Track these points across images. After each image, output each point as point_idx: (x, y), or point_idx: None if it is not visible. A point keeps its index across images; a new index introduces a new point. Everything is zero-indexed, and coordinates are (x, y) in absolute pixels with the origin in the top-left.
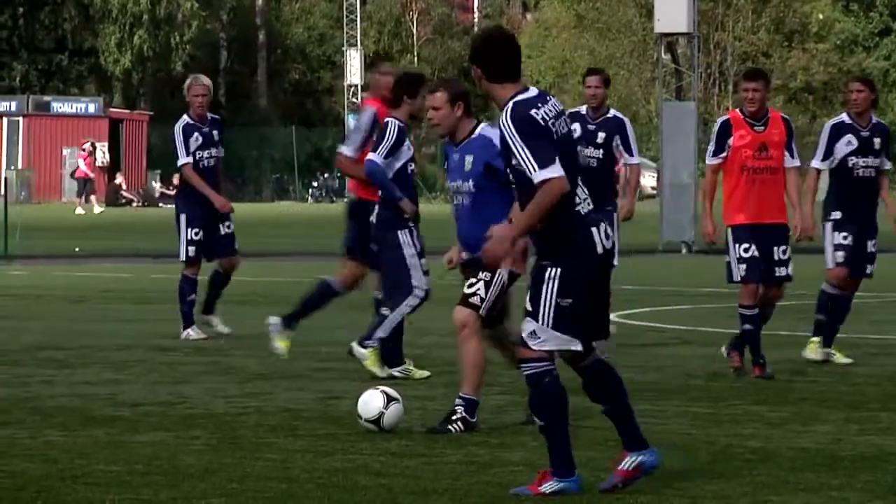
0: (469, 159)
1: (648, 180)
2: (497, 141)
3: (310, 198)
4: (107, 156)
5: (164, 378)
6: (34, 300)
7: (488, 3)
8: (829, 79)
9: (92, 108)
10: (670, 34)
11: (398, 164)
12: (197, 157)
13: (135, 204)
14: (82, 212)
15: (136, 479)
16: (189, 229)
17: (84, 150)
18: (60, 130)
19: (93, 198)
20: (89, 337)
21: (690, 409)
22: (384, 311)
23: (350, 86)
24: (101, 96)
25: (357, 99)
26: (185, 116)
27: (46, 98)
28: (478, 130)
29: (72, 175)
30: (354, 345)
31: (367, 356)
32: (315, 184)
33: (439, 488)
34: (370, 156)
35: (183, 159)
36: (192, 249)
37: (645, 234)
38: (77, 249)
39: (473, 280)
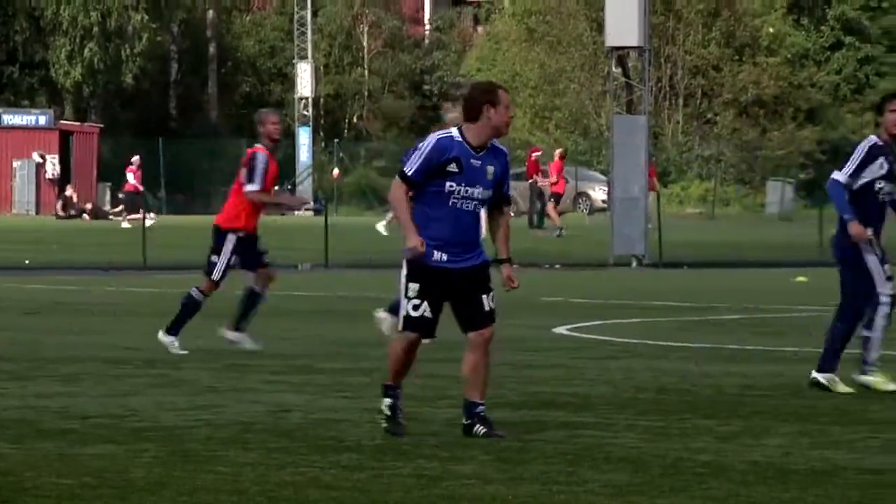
0: (491, 169)
1: (599, 194)
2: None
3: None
4: (57, 168)
5: (115, 391)
6: None
7: (439, 16)
8: (780, 92)
9: (42, 121)
10: (621, 48)
11: None
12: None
13: (85, 216)
14: (129, 226)
15: (87, 492)
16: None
17: (132, 163)
18: (11, 143)
19: (132, 213)
20: (40, 349)
21: (640, 422)
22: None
23: (301, 98)
24: (51, 108)
25: (308, 112)
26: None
27: None
28: (491, 142)
29: (120, 189)
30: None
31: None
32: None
33: (390, 501)
34: None
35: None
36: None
37: (595, 247)
38: (27, 262)
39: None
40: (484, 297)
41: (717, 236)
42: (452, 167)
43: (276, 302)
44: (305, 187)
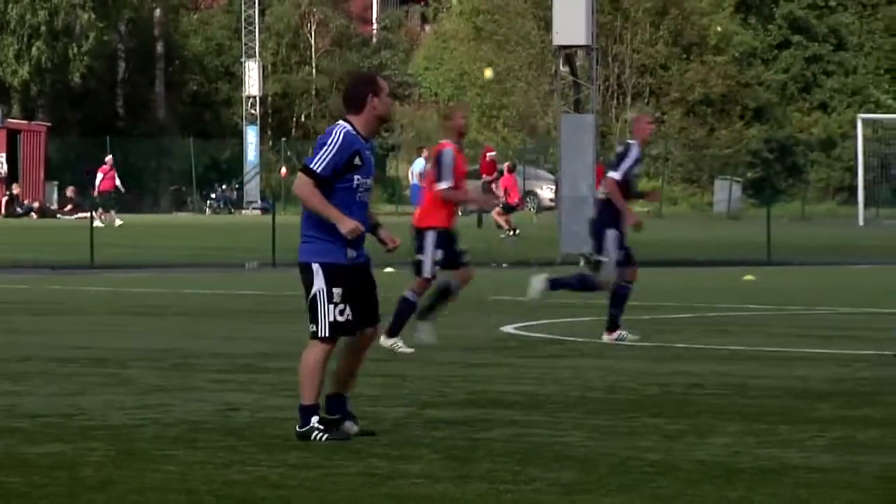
0: (373, 159)
1: (547, 192)
2: None
3: (208, 209)
4: (5, 167)
5: (63, 390)
6: None
7: (387, 14)
8: (728, 91)
9: None
10: (568, 46)
11: None
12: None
13: (32, 215)
14: (101, 224)
15: (35, 492)
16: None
17: (106, 162)
18: None
19: (112, 212)
20: None
21: (589, 421)
22: None
23: (248, 97)
24: (0, 106)
25: (256, 110)
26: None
27: None
28: None
29: (97, 191)
30: None
31: None
32: (213, 195)
33: (338, 500)
34: None
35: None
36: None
37: (543, 246)
38: None
39: None
40: (376, 292)
41: (665, 235)
42: (357, 160)
43: (222, 301)
44: (252, 186)
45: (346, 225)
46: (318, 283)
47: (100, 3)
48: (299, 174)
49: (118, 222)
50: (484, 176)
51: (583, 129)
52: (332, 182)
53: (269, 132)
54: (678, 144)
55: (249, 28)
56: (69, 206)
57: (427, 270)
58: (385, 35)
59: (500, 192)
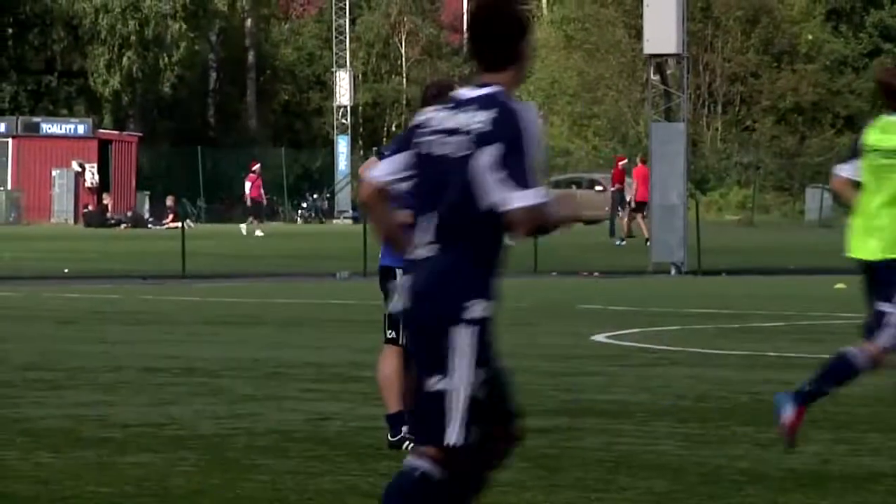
0: None
1: None
2: None
3: (299, 219)
4: (96, 177)
5: (154, 399)
6: (23, 321)
7: None
8: (819, 99)
9: (81, 130)
10: (659, 55)
11: None
12: None
13: (123, 225)
14: (261, 233)
15: (126, 501)
16: None
17: (254, 171)
18: (50, 152)
19: (252, 219)
20: (79, 358)
21: (680, 429)
22: None
23: (339, 107)
24: (90, 117)
25: (347, 120)
26: None
27: (36, 119)
28: None
29: (241, 199)
30: None
31: None
32: (304, 205)
33: None
34: None
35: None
36: None
37: (635, 255)
38: (66, 270)
39: None
40: None
41: (757, 243)
42: None
43: (313, 311)
44: (344, 196)
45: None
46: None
47: (191, 13)
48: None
49: (258, 233)
50: (615, 185)
51: (673, 137)
52: None
53: (360, 142)
54: (769, 153)
55: (340, 38)
56: (170, 216)
57: None
58: None
59: (634, 185)
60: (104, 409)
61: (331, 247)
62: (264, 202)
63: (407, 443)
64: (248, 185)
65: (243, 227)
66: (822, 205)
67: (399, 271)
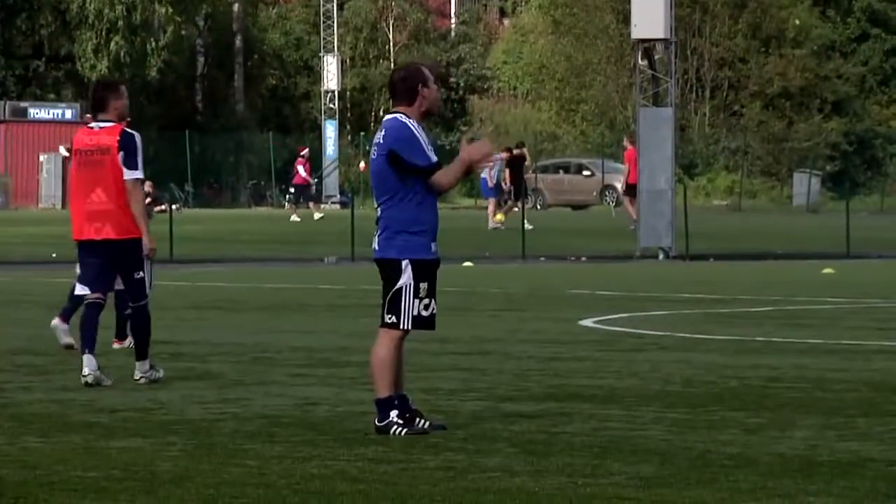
0: None
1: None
2: None
3: (286, 203)
4: None
5: (141, 384)
6: (11, 306)
7: (465, 8)
8: (806, 84)
9: (69, 114)
10: (647, 40)
11: None
12: None
13: None
14: (298, 219)
15: (113, 486)
16: None
17: (303, 156)
18: (37, 136)
19: (311, 204)
20: None
21: (668, 414)
22: None
23: (327, 91)
24: (78, 102)
25: (334, 105)
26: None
27: (23, 104)
28: None
29: (290, 183)
30: None
31: None
32: (292, 190)
33: (416, 494)
34: None
35: None
36: None
37: (622, 240)
38: (54, 255)
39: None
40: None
41: (744, 228)
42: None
43: (301, 295)
44: (331, 180)
45: (471, 149)
46: (406, 278)
47: None
48: (435, 180)
49: (318, 215)
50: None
51: (661, 122)
52: (413, 172)
53: (348, 126)
54: (757, 138)
55: (328, 22)
56: (148, 201)
57: None
58: (463, 29)
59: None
60: (92, 394)
61: (318, 232)
62: (312, 187)
63: (395, 428)
64: (300, 168)
65: (317, 214)
66: (810, 190)
67: (405, 262)
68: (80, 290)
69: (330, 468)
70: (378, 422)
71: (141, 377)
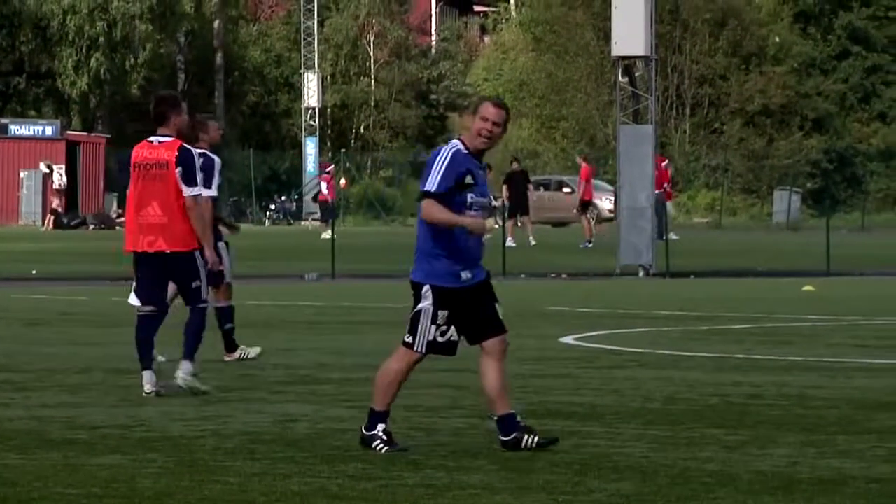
0: (482, 173)
1: (606, 203)
2: None
3: (267, 220)
4: (64, 179)
5: (122, 401)
6: None
7: (446, 25)
8: (787, 101)
9: (49, 131)
10: (628, 57)
11: None
12: None
13: (91, 226)
14: (328, 236)
15: (94, 502)
16: None
17: (328, 172)
18: (18, 153)
19: (321, 223)
20: (47, 360)
21: (648, 431)
22: None
23: (307, 108)
24: (58, 119)
25: (315, 122)
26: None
27: (4, 120)
28: None
29: (314, 199)
30: None
31: None
32: (272, 206)
33: None
34: None
35: None
36: None
37: (602, 257)
38: (34, 272)
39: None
40: (496, 305)
41: (725, 245)
42: (469, 179)
43: (281, 312)
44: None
45: (472, 222)
46: (426, 303)
47: (158, 14)
48: (422, 204)
49: (325, 235)
50: (666, 186)
51: (642, 139)
52: (447, 200)
53: (328, 143)
54: (737, 155)
55: (308, 39)
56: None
57: None
58: (444, 46)
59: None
60: (72, 411)
61: (298, 248)
62: (333, 204)
63: (378, 443)
64: (323, 185)
65: (325, 233)
66: (790, 207)
67: (427, 287)
68: (133, 300)
69: (310, 485)
70: (365, 429)
71: (181, 378)
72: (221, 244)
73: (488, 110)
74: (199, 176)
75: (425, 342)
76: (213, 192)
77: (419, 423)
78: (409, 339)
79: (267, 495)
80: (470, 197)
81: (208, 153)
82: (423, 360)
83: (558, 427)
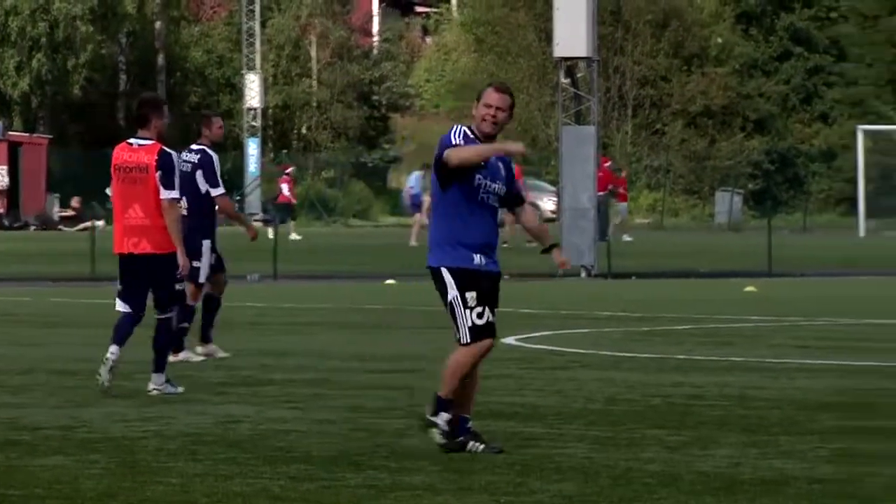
0: (501, 165)
1: (548, 204)
2: None
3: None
4: (6, 179)
5: (65, 402)
6: None
7: (387, 26)
8: (729, 102)
9: None
10: (570, 58)
11: None
12: None
13: (32, 227)
14: (298, 237)
15: (36, 503)
16: None
17: (288, 173)
18: None
19: (292, 224)
20: None
21: (590, 432)
22: None
23: (249, 109)
24: (1, 120)
25: (257, 122)
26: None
27: None
28: None
29: (273, 201)
30: None
31: None
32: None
33: None
34: None
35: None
36: None
37: (544, 257)
38: None
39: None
40: (496, 308)
41: (666, 246)
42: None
43: (223, 313)
44: (254, 198)
45: (511, 147)
46: (452, 290)
47: (100, 15)
48: (447, 155)
49: (294, 236)
50: (610, 187)
51: (584, 140)
52: (453, 180)
53: (270, 144)
54: (679, 156)
55: (250, 40)
56: (72, 214)
57: None
58: (386, 47)
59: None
60: (14, 412)
61: (241, 249)
62: (294, 207)
63: (437, 434)
64: (284, 187)
65: (294, 235)
66: (732, 208)
67: (444, 271)
68: (120, 306)
69: (252, 486)
70: (428, 414)
71: (154, 389)
72: (206, 243)
73: (491, 96)
74: (177, 180)
75: (467, 331)
76: (221, 189)
77: (361, 425)
78: (456, 335)
79: (209, 496)
80: (478, 178)
81: (207, 149)
82: (487, 353)
83: (500, 428)
